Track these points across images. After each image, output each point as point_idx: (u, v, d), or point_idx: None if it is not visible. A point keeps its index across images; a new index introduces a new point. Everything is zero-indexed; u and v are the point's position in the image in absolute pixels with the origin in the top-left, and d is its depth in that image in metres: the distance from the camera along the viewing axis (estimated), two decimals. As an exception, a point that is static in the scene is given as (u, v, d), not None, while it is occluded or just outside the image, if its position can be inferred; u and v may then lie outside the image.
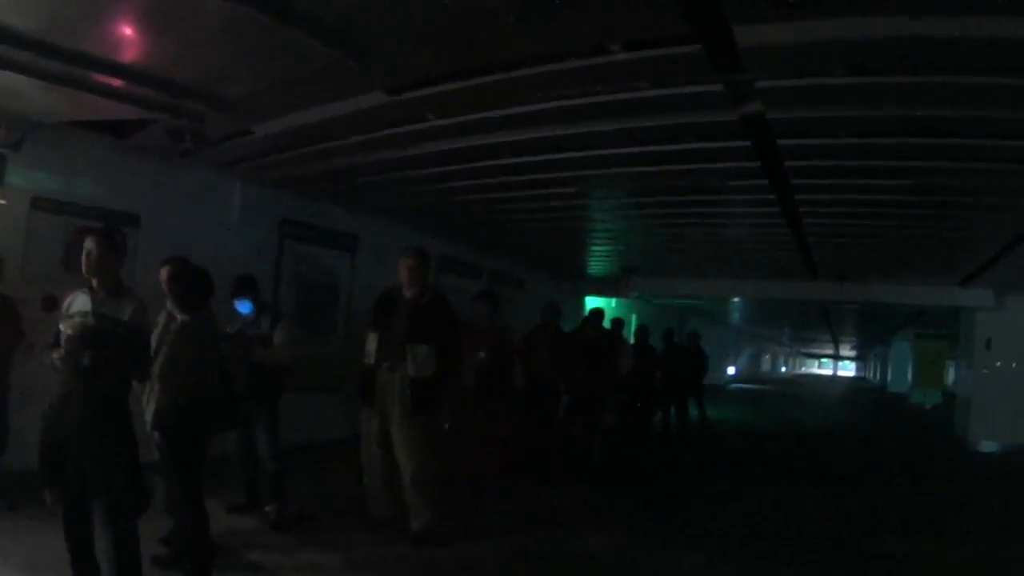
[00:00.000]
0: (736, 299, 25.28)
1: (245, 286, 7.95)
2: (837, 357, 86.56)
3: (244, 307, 7.95)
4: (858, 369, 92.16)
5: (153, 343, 5.86)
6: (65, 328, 5.31)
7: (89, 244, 5.35)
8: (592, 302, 21.91)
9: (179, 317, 6.05)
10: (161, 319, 6.17)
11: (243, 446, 8.04)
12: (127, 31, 5.96)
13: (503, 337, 10.22)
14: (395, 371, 7.47)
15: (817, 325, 39.25)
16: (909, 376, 39.54)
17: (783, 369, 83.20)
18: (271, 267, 11.57)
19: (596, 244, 16.61)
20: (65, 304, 5.45)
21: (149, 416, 5.93)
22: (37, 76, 6.72)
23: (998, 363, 18.81)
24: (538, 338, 11.56)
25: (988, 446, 18.49)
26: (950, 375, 38.24)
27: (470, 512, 8.72)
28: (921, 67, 5.68)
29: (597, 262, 19.18)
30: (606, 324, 13.93)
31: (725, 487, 11.92)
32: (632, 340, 16.09)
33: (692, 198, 10.79)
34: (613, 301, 23.75)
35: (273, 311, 8.33)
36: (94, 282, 5.36)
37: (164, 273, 6.42)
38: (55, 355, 5.30)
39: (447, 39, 5.83)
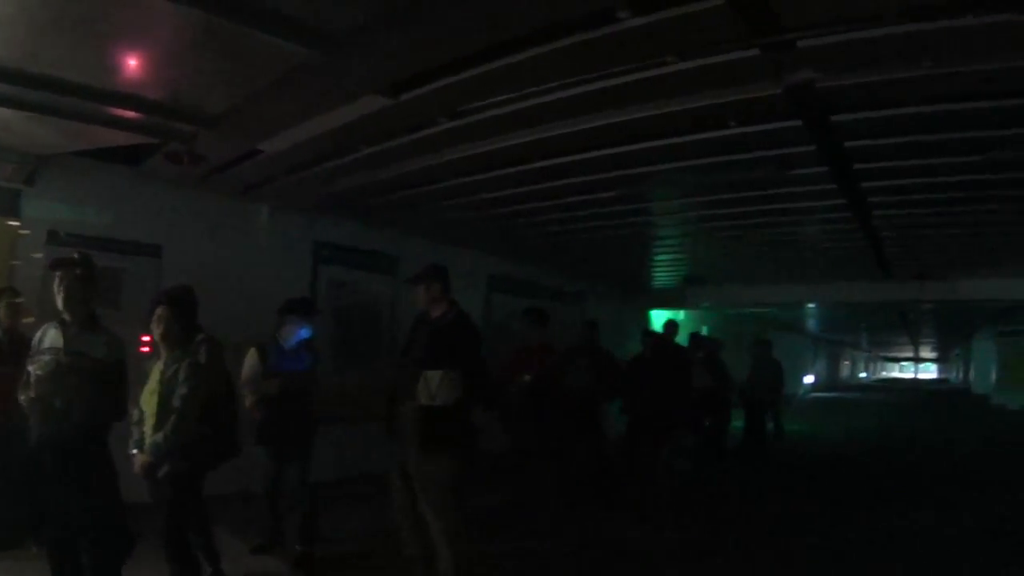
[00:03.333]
0: (809, 305, 24.10)
1: (307, 308, 7.73)
2: (917, 359, 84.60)
3: (306, 332, 7.64)
4: (940, 371, 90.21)
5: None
6: (35, 369, 5.11)
7: (60, 274, 5.15)
8: (658, 316, 21.29)
9: (173, 352, 5.68)
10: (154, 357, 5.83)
11: (272, 483, 7.64)
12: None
13: (548, 357, 9.76)
14: (411, 401, 6.65)
15: (895, 328, 37.92)
16: (993, 376, 37.73)
17: (862, 375, 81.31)
18: (307, 292, 11.04)
19: (657, 253, 15.94)
20: (36, 339, 5.31)
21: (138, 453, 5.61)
22: (19, 107, 6.66)
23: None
24: (575, 357, 10.91)
25: None
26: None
27: (514, 548, 8.11)
28: (984, 4, 4.68)
29: (660, 273, 18.57)
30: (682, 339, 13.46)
31: (806, 513, 10.83)
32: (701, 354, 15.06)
33: (749, 194, 9.93)
34: (681, 313, 22.98)
35: (313, 347, 7.91)
36: (67, 315, 5.19)
37: (160, 313, 5.83)
38: (22, 397, 5.21)
39: (436, 20, 5.07)
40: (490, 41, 5.32)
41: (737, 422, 16.33)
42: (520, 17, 4.99)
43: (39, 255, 8.39)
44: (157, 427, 5.43)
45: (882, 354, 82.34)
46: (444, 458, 6.45)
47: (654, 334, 12.82)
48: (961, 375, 62.32)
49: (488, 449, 7.27)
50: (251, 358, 7.58)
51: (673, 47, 5.41)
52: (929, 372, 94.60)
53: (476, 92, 6.34)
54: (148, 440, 5.46)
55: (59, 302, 5.16)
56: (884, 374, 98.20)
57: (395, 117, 6.81)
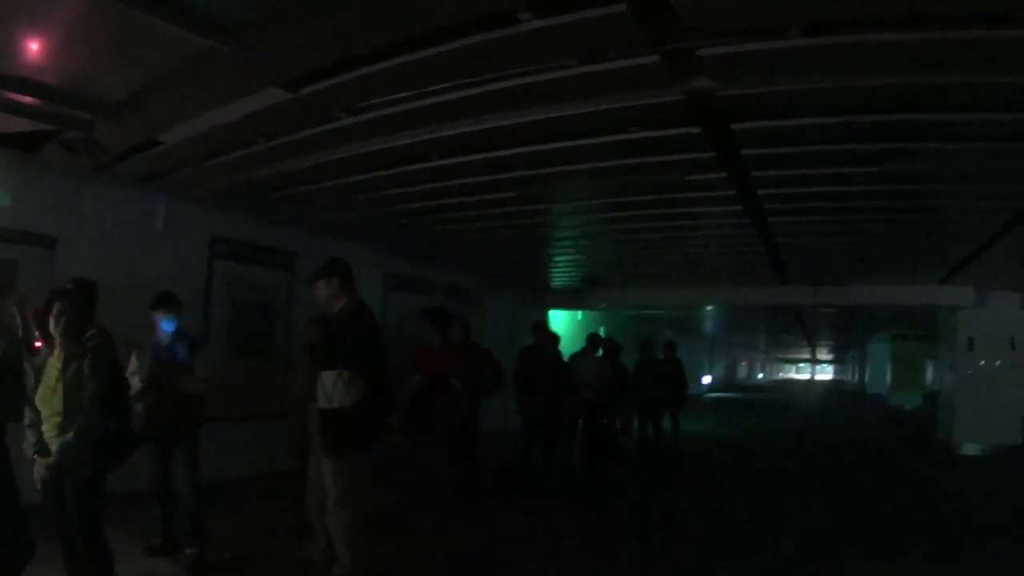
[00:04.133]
0: (708, 307, 24.47)
1: (170, 302, 7.47)
2: (814, 361, 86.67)
3: (168, 325, 7.43)
4: (836, 372, 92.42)
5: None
6: None
7: None
8: (557, 316, 21.35)
9: (71, 348, 5.35)
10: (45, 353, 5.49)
11: (160, 481, 7.46)
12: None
13: (446, 356, 9.69)
14: (315, 403, 6.62)
15: (792, 330, 38.82)
16: (888, 378, 39.31)
17: (760, 376, 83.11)
18: (202, 287, 11.05)
19: (555, 254, 15.99)
20: None
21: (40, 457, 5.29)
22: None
23: (981, 362, 18.37)
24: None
25: (971, 448, 18.12)
26: (929, 375, 37.99)
27: (415, 550, 8.04)
28: (890, 20, 4.77)
29: (558, 273, 18.59)
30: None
31: (693, 506, 11.08)
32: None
33: (649, 198, 10.00)
34: (580, 314, 23.11)
35: (190, 338, 7.70)
36: None
37: (60, 307, 5.55)
38: None
39: (336, 15, 5.02)
40: (390, 39, 5.22)
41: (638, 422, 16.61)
42: (420, 16, 4.92)
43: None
44: (64, 427, 5.16)
45: (779, 356, 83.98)
46: (344, 461, 6.39)
47: (548, 332, 12.93)
48: (856, 376, 64.08)
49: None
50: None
51: (574, 51, 5.38)
52: (826, 373, 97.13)
53: (376, 89, 6.23)
54: (54, 440, 5.19)
55: None
56: (781, 375, 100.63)
57: (295, 111, 6.67)
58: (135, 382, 6.92)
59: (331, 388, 6.33)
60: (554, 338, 12.99)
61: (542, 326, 13.02)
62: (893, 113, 6.42)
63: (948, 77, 5.62)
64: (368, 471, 6.58)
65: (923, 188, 8.97)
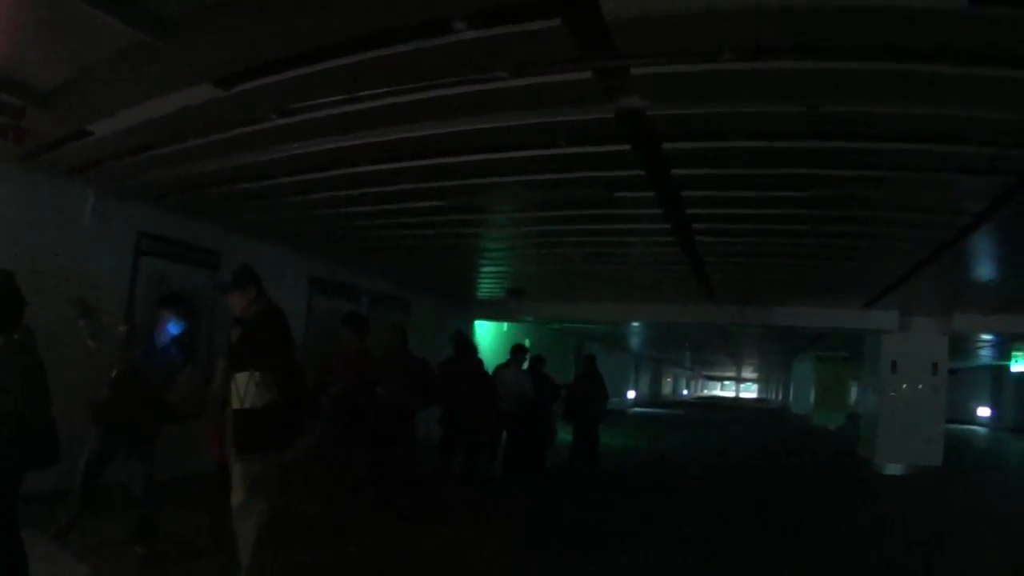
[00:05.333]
0: (634, 323, 24.69)
1: (178, 303, 7.75)
2: (739, 379, 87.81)
3: (176, 328, 7.65)
4: (761, 391, 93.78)
5: None
6: None
7: None
8: (483, 327, 21.40)
9: None
10: None
11: (92, 472, 7.46)
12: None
13: (366, 364, 9.63)
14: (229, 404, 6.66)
15: (718, 348, 39.26)
16: (811, 398, 40.11)
17: (684, 392, 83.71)
18: (126, 283, 10.84)
19: (482, 264, 15.95)
20: None
21: None
22: None
23: (904, 385, 18.94)
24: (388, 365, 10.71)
25: (893, 468, 18.67)
26: (852, 395, 38.86)
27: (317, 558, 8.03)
28: (820, 50, 4.89)
29: (486, 284, 18.57)
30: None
31: (611, 524, 11.03)
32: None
33: (576, 212, 10.04)
34: (505, 326, 23.16)
35: (185, 347, 7.86)
36: None
37: None
38: None
39: (271, 15, 4.94)
40: (323, 41, 5.21)
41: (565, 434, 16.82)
42: (354, 20, 4.90)
43: None
44: None
45: (705, 373, 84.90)
46: (253, 462, 6.41)
47: (464, 343, 12.95)
48: (781, 395, 65.11)
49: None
50: (119, 334, 7.53)
51: (507, 62, 5.40)
52: (750, 392, 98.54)
53: (307, 91, 6.21)
54: None
55: None
56: (706, 392, 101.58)
57: (227, 109, 6.61)
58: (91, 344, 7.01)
59: (243, 389, 6.41)
60: (471, 349, 12.99)
61: (459, 337, 12.99)
62: (821, 140, 6.55)
63: (875, 107, 5.78)
64: (277, 474, 6.60)
65: (849, 215, 9.15)
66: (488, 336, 22.34)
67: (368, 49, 5.23)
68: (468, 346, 12.96)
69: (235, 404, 6.43)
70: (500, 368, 14.14)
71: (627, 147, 6.96)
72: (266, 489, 6.50)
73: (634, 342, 37.64)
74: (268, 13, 4.90)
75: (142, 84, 6.23)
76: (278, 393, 6.45)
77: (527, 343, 16.82)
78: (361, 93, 6.15)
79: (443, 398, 11.50)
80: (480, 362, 13.04)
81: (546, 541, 9.66)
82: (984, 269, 12.56)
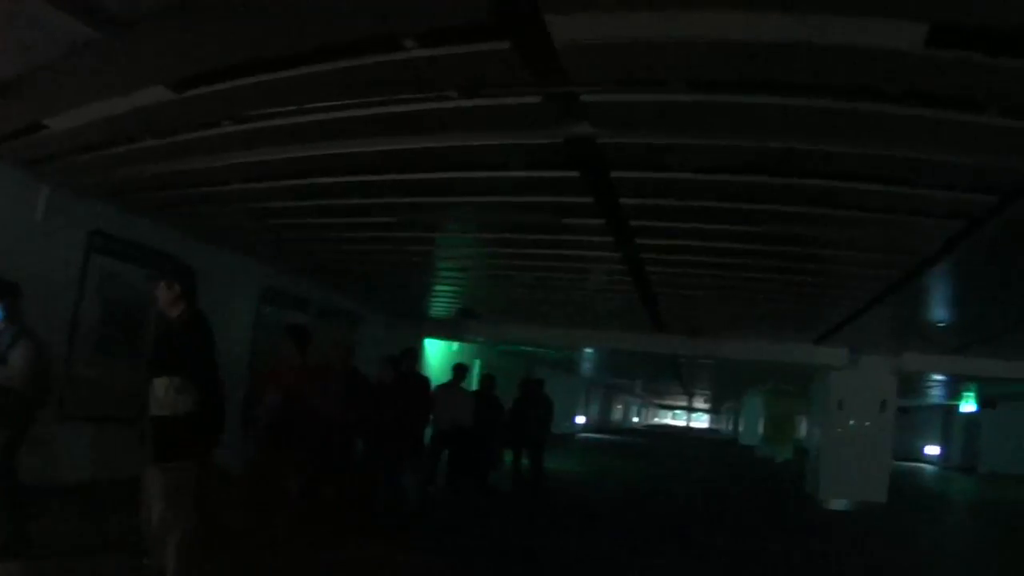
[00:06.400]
0: (584, 349, 24.73)
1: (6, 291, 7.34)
2: (690, 409, 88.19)
3: None
4: (711, 421, 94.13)
5: None
6: None
7: None
8: (432, 345, 21.32)
9: None
10: None
11: None
12: None
13: (305, 377, 9.42)
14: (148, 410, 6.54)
15: (669, 377, 39.44)
16: (760, 430, 40.35)
17: (635, 419, 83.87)
18: (76, 280, 10.59)
19: (433, 283, 15.97)
20: None
21: None
22: None
23: (851, 422, 19.08)
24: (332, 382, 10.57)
25: (838, 504, 18.74)
26: (802, 429, 39.20)
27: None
28: (776, 86, 4.94)
29: (437, 303, 18.53)
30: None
31: (544, 551, 10.93)
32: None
33: (525, 237, 10.04)
34: (455, 345, 23.07)
35: (19, 330, 7.42)
36: None
37: None
38: None
39: (226, 21, 4.89)
40: (276, 51, 5.21)
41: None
42: (306, 32, 4.88)
43: None
44: None
45: (656, 401, 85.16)
46: (173, 471, 6.33)
47: (395, 360, 12.60)
48: (731, 427, 65.58)
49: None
50: None
51: (456, 83, 5.40)
52: (702, 421, 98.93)
53: (261, 100, 6.19)
54: None
55: None
56: (657, 420, 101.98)
57: (180, 113, 6.57)
58: None
59: (163, 395, 6.30)
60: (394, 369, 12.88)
61: (389, 359, 12.80)
62: (774, 176, 6.59)
63: (831, 145, 5.81)
64: (193, 483, 6.48)
65: (802, 251, 9.21)
66: (438, 355, 22.22)
67: (321, 61, 5.23)
68: (389, 368, 12.73)
69: (153, 410, 6.33)
70: (441, 388, 14.01)
71: (576, 173, 6.95)
72: (186, 499, 6.40)
73: (585, 367, 37.68)
74: (223, 20, 4.87)
75: (96, 82, 6.17)
76: (198, 401, 6.35)
77: (477, 364, 16.74)
78: (314, 104, 6.14)
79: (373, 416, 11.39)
80: (420, 382, 12.83)
81: (470, 563, 9.61)
82: (935, 310, 12.73)
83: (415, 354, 13.35)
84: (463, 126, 6.22)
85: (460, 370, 14.57)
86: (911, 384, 24.59)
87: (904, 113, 5.01)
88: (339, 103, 6.03)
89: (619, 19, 4.27)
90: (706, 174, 6.71)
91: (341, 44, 5.01)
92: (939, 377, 23.20)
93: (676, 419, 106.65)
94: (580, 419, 47.16)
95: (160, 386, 6.29)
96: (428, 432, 12.79)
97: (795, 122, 5.43)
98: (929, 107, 4.92)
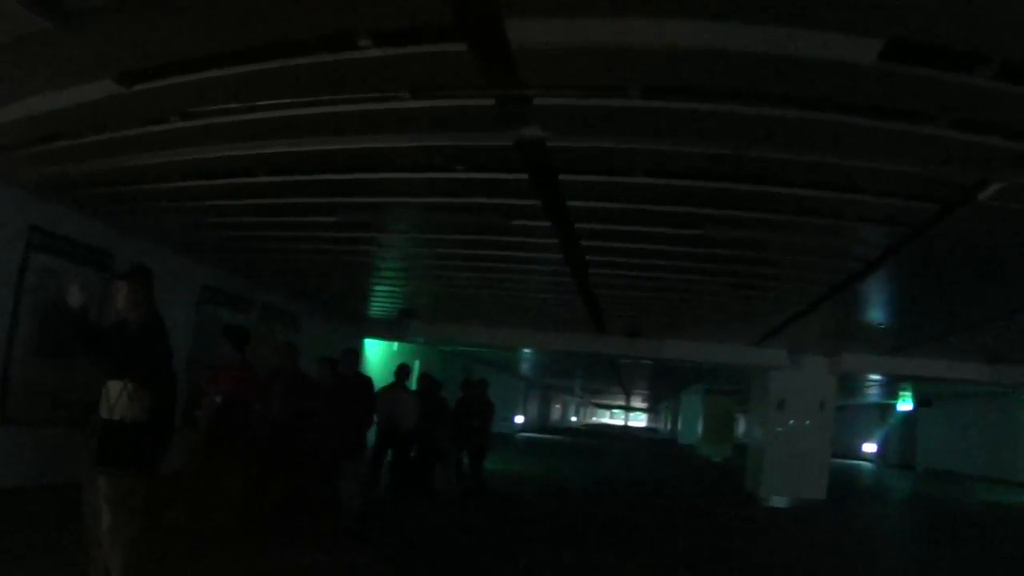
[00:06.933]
0: (524, 349, 24.77)
1: None
2: (628, 408, 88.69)
3: None
4: (649, 420, 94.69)
5: None
6: None
7: None
8: (373, 345, 21.21)
9: None
10: None
11: None
12: None
13: (245, 378, 9.42)
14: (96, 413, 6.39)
15: (608, 377, 39.65)
16: (699, 429, 40.77)
17: (573, 419, 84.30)
18: (13, 278, 10.37)
19: (375, 283, 15.87)
20: None
21: None
22: None
23: (790, 421, 19.41)
24: (275, 383, 10.63)
25: (778, 501, 19.05)
26: (740, 427, 39.68)
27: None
28: (727, 93, 5.03)
29: (378, 303, 18.41)
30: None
31: (487, 551, 10.95)
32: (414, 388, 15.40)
33: (470, 237, 10.07)
34: (395, 345, 22.98)
35: None
36: None
37: None
38: None
39: (175, 15, 4.84)
40: (225, 47, 5.16)
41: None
42: (257, 27, 4.86)
43: None
44: None
45: (594, 400, 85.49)
46: (120, 477, 6.21)
47: (333, 361, 12.55)
48: (669, 426, 66.10)
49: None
50: None
51: (408, 83, 5.40)
52: (639, 421, 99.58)
53: (208, 96, 6.13)
54: None
55: None
56: (595, 419, 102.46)
57: (126, 107, 6.45)
58: None
59: (115, 399, 6.21)
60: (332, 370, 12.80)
61: (326, 360, 12.71)
62: (720, 181, 6.69)
63: (778, 153, 5.92)
64: (141, 490, 6.35)
65: (742, 254, 9.34)
66: (378, 355, 22.12)
67: (271, 58, 5.20)
68: (327, 369, 12.63)
69: (103, 414, 6.21)
70: (384, 389, 13.94)
71: (524, 176, 6.98)
72: (134, 506, 6.27)
73: (524, 367, 37.76)
74: (172, 13, 4.81)
75: (41, 73, 6.05)
76: (149, 407, 6.26)
77: (416, 364, 16.65)
78: (262, 102, 6.09)
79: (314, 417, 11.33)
80: (362, 382, 12.75)
81: (412, 565, 9.58)
82: (874, 313, 13.02)
83: (355, 355, 13.32)
84: (413, 127, 6.21)
85: (403, 371, 14.48)
86: (850, 384, 25.13)
87: (854, 123, 5.12)
88: (288, 101, 5.99)
89: (578, 24, 4.31)
90: (652, 178, 6.77)
91: (294, 41, 4.98)
92: (877, 377, 23.65)
93: (614, 418, 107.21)
94: (519, 419, 47.32)
95: (114, 389, 6.20)
96: (372, 433, 12.66)
97: (745, 130, 5.52)
98: (878, 118, 5.04)
